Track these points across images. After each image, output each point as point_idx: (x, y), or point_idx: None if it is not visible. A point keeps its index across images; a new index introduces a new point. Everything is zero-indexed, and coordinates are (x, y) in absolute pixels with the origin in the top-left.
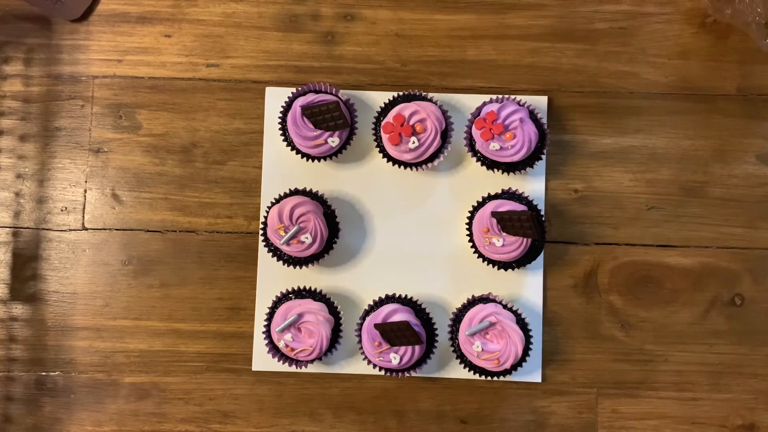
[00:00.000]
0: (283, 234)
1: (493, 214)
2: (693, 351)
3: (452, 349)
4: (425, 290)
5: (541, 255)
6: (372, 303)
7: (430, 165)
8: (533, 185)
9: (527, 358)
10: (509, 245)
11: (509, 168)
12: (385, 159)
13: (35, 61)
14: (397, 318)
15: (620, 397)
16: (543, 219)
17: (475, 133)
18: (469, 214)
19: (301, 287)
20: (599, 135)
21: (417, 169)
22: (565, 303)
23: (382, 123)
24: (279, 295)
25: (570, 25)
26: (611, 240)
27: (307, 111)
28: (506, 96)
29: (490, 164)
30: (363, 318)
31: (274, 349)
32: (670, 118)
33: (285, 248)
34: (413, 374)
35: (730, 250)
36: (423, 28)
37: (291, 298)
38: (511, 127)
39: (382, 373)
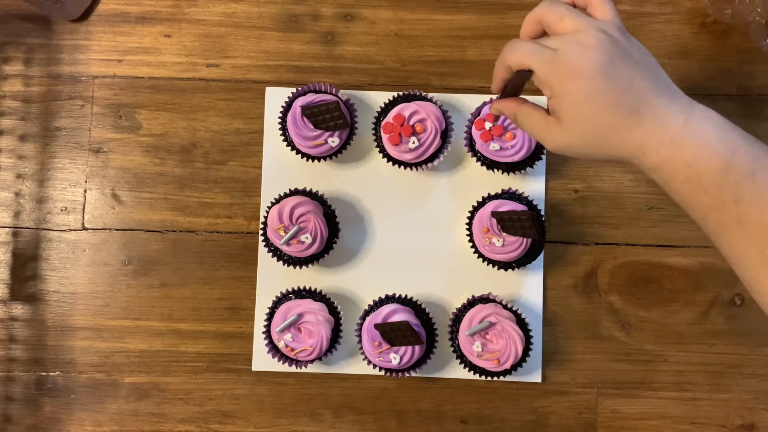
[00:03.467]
0: (283, 234)
1: (493, 214)
2: (693, 351)
3: (452, 349)
4: (425, 290)
5: (541, 255)
6: (372, 303)
7: (430, 165)
8: (533, 185)
9: (527, 358)
10: (509, 245)
11: (509, 168)
12: (385, 159)
13: (35, 61)
14: (397, 318)
15: (620, 397)
16: (543, 219)
17: (475, 133)
18: (469, 214)
19: (301, 287)
20: None
21: (417, 169)
22: (565, 303)
23: (382, 123)
24: (279, 295)
25: None
26: (611, 240)
27: (307, 111)
28: None
29: (490, 164)
30: (363, 318)
31: (274, 349)
32: None
33: (285, 248)
34: (413, 374)
35: None
36: (423, 28)
37: (291, 298)
38: (511, 128)
39: (382, 373)
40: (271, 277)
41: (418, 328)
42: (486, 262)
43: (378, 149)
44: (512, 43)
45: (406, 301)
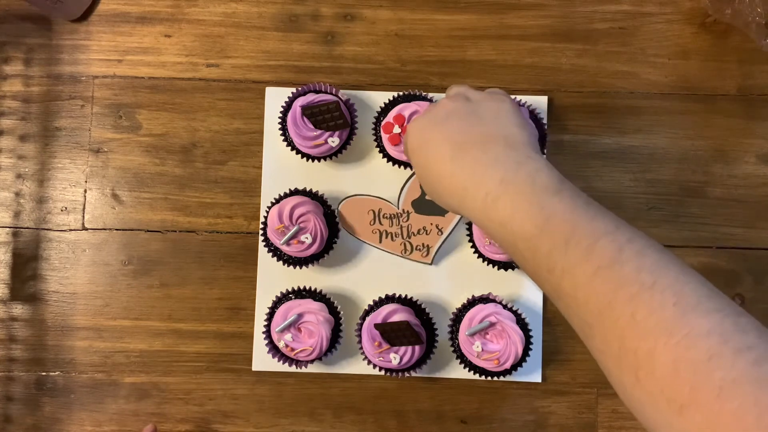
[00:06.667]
0: (284, 232)
1: None
2: None
3: (452, 349)
4: (425, 290)
5: None
6: (372, 303)
7: None
8: None
9: (527, 358)
10: None
11: None
12: (385, 159)
13: (35, 61)
14: (397, 318)
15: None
16: None
17: None
18: None
19: (301, 287)
20: (599, 135)
21: None
22: None
23: (382, 123)
24: (279, 295)
25: (570, 25)
26: None
27: (307, 111)
28: None
29: None
30: (363, 318)
31: (274, 349)
32: (670, 118)
33: (285, 248)
34: (413, 374)
35: (730, 250)
36: (423, 28)
37: (291, 298)
38: None
39: (382, 373)
40: (271, 277)
41: (418, 328)
42: (486, 262)
43: (378, 149)
44: None
45: (406, 301)
